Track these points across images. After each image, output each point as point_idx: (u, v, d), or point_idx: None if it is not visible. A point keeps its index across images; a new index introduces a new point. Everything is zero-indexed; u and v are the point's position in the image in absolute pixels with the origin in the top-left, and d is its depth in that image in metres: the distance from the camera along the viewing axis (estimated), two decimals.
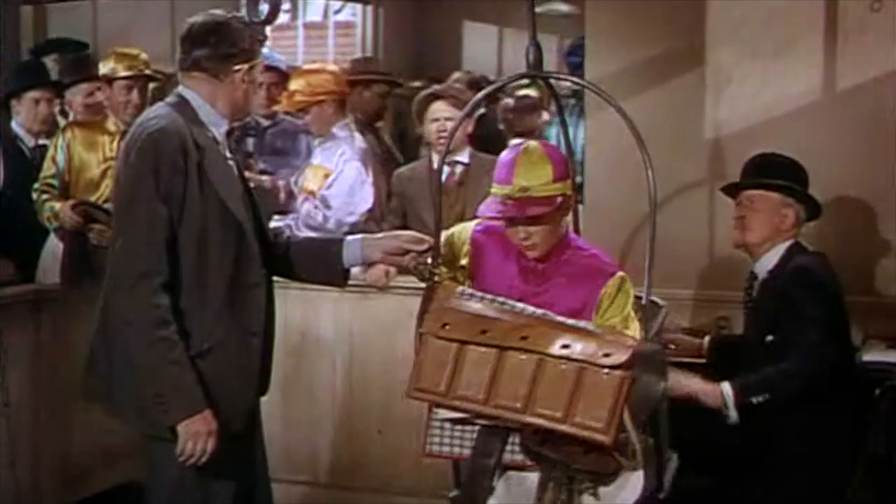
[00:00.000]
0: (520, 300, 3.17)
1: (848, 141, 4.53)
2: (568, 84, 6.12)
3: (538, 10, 11.16)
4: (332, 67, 5.72)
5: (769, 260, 3.94)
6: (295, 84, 5.41)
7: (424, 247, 3.34)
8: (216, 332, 3.22)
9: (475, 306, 3.05)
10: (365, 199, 5.30)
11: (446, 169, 4.93)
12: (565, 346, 2.91)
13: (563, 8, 10.45)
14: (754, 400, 3.68)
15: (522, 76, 3.46)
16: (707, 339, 4.21)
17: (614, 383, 2.83)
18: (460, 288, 3.12)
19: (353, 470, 4.91)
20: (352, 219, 5.27)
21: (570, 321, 3.01)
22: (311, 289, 4.59)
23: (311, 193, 5.26)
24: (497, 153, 3.44)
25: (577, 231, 3.51)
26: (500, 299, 3.09)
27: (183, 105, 3.31)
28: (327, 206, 5.20)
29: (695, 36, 4.70)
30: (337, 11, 12.15)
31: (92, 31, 7.54)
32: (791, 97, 4.60)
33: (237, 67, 3.30)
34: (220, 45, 3.29)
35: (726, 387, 3.70)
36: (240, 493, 3.34)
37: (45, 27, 7.40)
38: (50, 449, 4.60)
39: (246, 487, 3.39)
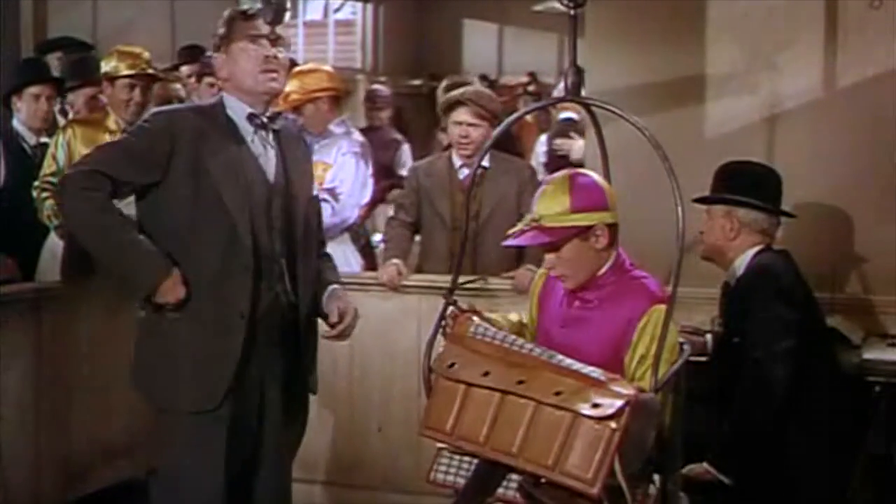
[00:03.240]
0: (562, 327, 3.20)
1: (848, 138, 4.53)
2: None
3: (538, 7, 11.26)
4: (325, 67, 5.74)
5: (738, 267, 3.94)
6: (289, 85, 5.41)
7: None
8: (203, 305, 3.37)
9: (483, 346, 3.07)
10: (365, 193, 5.33)
11: (465, 171, 4.96)
12: (558, 394, 2.91)
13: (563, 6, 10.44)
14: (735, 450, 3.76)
15: (560, 100, 3.41)
16: (709, 336, 4.21)
17: (603, 435, 2.83)
18: (474, 325, 3.12)
19: (353, 468, 4.91)
20: (355, 212, 5.29)
21: (578, 365, 2.98)
22: None
23: None
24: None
25: None
26: (511, 338, 3.09)
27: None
28: (335, 198, 5.22)
29: (695, 34, 4.71)
30: (337, 10, 12.15)
31: (92, 30, 7.54)
32: (791, 95, 4.61)
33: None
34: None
35: (706, 465, 3.73)
36: (238, 484, 3.44)
37: (45, 25, 7.40)
38: (49, 447, 4.59)
39: (248, 480, 3.48)
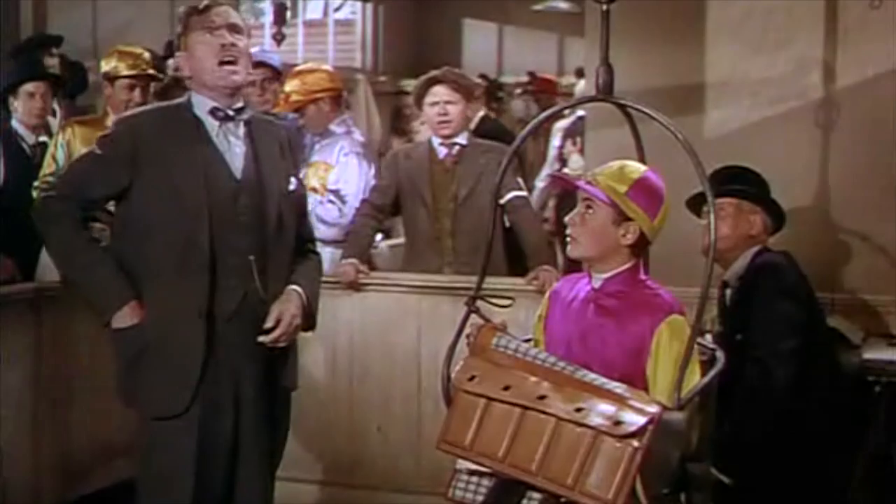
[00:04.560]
0: (584, 336, 3.14)
1: (848, 138, 4.53)
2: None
3: (538, 7, 11.22)
4: (325, 67, 5.74)
5: (739, 266, 3.94)
6: (290, 85, 5.43)
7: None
8: (158, 308, 3.38)
9: (506, 359, 3.01)
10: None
11: (444, 150, 4.96)
12: (579, 410, 2.84)
13: (564, 5, 10.46)
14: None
15: (591, 99, 3.34)
16: (708, 336, 4.21)
17: (625, 454, 2.76)
18: (497, 337, 3.06)
19: (353, 467, 4.91)
20: None
21: (601, 380, 2.92)
22: None
23: (314, 190, 5.27)
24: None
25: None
26: (533, 351, 3.03)
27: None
28: (342, 201, 5.21)
29: (695, 34, 4.70)
30: (337, 9, 12.17)
31: (92, 29, 7.54)
32: (791, 95, 4.61)
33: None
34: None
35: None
36: (211, 484, 3.43)
37: (45, 25, 7.40)
38: (49, 446, 4.60)
39: (223, 481, 3.46)
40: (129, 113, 3.69)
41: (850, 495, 3.87)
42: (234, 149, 3.46)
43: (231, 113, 3.45)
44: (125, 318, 3.38)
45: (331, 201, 5.23)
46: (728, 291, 4.03)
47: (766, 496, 3.76)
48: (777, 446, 3.73)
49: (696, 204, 4.00)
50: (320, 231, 5.18)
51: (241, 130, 3.48)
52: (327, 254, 5.21)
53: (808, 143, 4.58)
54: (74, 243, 3.44)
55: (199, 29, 3.41)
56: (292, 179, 3.58)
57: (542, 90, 9.35)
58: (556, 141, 7.60)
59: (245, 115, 3.48)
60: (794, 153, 4.55)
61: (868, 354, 4.12)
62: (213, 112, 3.44)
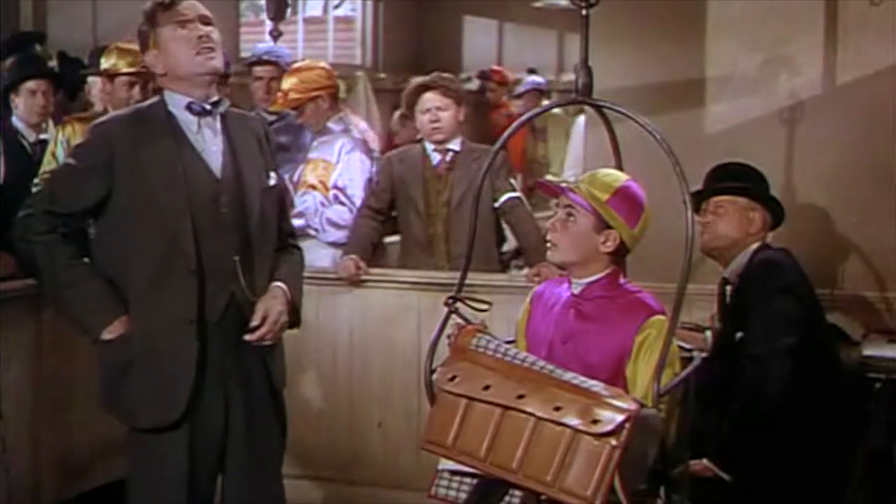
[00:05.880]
0: (565, 341, 3.18)
1: (847, 136, 4.53)
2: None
3: (538, 4, 11.21)
4: (322, 64, 5.73)
5: (739, 264, 3.95)
6: (288, 83, 5.42)
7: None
8: (146, 317, 3.32)
9: (486, 359, 3.03)
10: None
11: (438, 156, 4.97)
12: (558, 409, 2.87)
13: (564, 2, 10.45)
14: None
15: (571, 102, 3.38)
16: (708, 334, 4.21)
17: (603, 451, 2.79)
18: (476, 338, 3.08)
19: (353, 464, 4.92)
20: None
21: (579, 379, 2.95)
22: (309, 283, 4.59)
23: (312, 187, 5.26)
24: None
25: None
26: (513, 351, 3.06)
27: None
28: (349, 198, 5.21)
29: (695, 32, 4.70)
30: (337, 6, 12.15)
31: (92, 28, 7.52)
32: (791, 93, 4.61)
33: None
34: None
35: (706, 462, 3.72)
36: (200, 487, 3.41)
37: (44, 24, 7.38)
38: (49, 444, 4.60)
39: (212, 485, 3.46)
40: (102, 119, 3.56)
41: (849, 494, 3.87)
42: (212, 146, 3.40)
43: (208, 107, 3.39)
44: (113, 330, 3.34)
45: (340, 202, 5.22)
46: (728, 288, 4.03)
47: (765, 494, 3.76)
48: (776, 444, 3.73)
49: (694, 201, 4.00)
50: (330, 234, 5.19)
51: (218, 126, 3.42)
52: (330, 254, 5.22)
53: (807, 139, 4.58)
54: (58, 262, 3.37)
55: (169, 24, 3.34)
56: (271, 174, 3.52)
57: (495, 81, 9.37)
58: (577, 139, 7.58)
59: (221, 109, 3.42)
60: (793, 150, 4.56)
61: (868, 351, 4.13)
62: (190, 107, 3.37)
